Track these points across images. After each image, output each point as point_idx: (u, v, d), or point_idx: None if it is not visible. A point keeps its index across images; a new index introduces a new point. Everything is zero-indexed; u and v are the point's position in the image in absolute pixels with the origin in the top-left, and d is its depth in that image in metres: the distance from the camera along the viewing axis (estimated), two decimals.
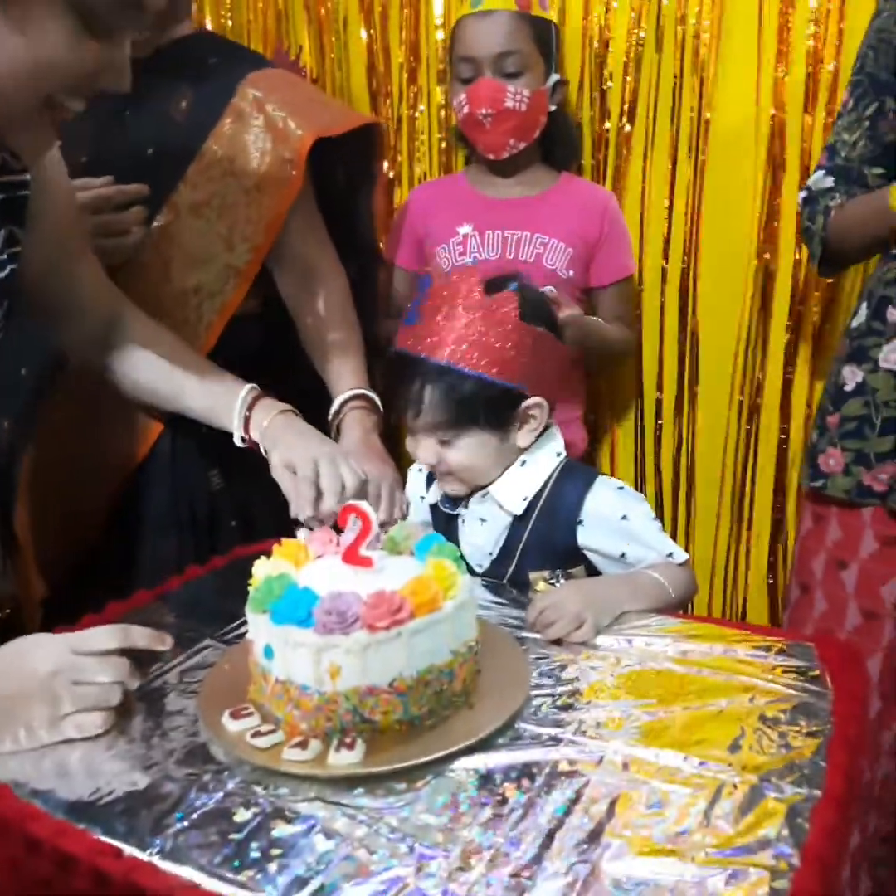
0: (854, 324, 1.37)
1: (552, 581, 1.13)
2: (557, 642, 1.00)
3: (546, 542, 1.14)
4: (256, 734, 0.82)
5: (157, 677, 0.96)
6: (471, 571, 1.19)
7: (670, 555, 1.13)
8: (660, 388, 1.86)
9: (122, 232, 1.30)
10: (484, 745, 0.81)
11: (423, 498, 1.29)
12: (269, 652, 0.84)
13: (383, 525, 1.19)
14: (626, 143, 1.78)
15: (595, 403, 1.90)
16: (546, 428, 1.17)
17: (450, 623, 0.85)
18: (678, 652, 0.96)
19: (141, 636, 0.92)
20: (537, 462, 1.16)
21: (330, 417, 1.34)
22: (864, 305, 1.35)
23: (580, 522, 1.13)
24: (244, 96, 1.33)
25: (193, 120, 1.33)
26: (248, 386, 1.22)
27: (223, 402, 1.21)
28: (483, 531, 1.19)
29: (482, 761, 0.79)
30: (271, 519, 1.32)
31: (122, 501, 1.36)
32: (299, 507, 1.13)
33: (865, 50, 1.34)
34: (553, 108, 1.65)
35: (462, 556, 1.17)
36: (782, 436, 1.76)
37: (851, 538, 1.37)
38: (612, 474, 1.87)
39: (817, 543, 1.42)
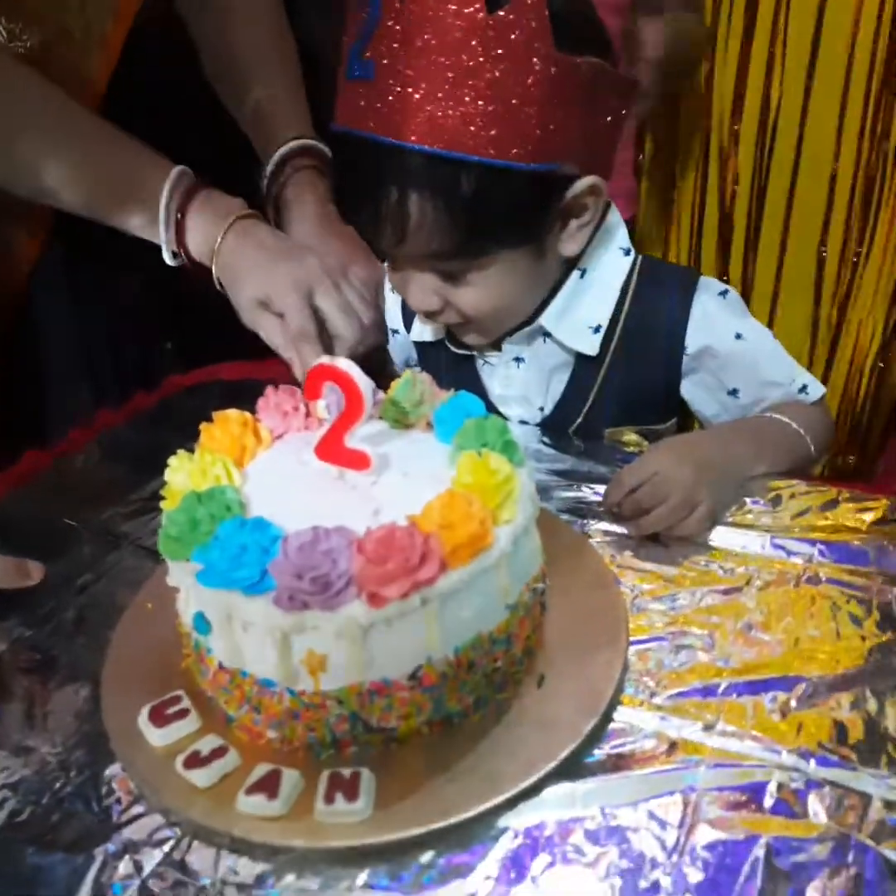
0: None
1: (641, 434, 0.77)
2: (653, 536, 0.66)
3: (634, 385, 0.77)
4: (193, 759, 0.50)
5: (43, 622, 0.62)
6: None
7: (803, 388, 0.76)
8: (738, 104, 1.34)
9: None
10: (569, 768, 0.49)
11: (394, 332, 0.89)
12: (202, 624, 0.50)
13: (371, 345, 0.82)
14: None
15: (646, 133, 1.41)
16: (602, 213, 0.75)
17: (506, 566, 0.50)
18: (841, 554, 0.63)
19: None
20: (602, 269, 0.75)
21: (264, 183, 0.88)
22: None
23: (685, 351, 0.75)
24: None
25: None
26: (177, 169, 0.76)
27: (139, 196, 0.76)
28: (522, 377, 0.80)
29: (567, 793, 0.48)
30: (223, 336, 0.92)
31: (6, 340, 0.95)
32: (301, 368, 0.73)
33: None
34: None
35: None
36: None
37: None
38: (669, 237, 1.44)
39: None
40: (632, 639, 0.56)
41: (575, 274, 0.76)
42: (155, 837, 0.48)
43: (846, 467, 1.47)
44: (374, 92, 0.61)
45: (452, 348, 0.82)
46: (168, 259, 0.78)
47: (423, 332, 0.83)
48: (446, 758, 0.50)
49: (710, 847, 0.45)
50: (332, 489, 0.53)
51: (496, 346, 0.80)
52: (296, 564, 0.45)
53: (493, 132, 0.60)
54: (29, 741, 0.54)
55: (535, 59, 0.60)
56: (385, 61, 0.60)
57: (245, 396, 0.63)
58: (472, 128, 0.60)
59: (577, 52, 0.62)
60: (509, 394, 0.82)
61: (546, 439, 0.78)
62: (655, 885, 0.43)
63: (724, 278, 1.46)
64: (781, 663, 0.54)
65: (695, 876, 0.43)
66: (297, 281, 0.73)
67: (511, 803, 0.47)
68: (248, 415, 0.58)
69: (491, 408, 0.82)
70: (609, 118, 0.68)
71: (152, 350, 1.02)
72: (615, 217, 0.77)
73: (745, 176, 1.37)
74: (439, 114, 0.60)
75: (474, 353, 0.81)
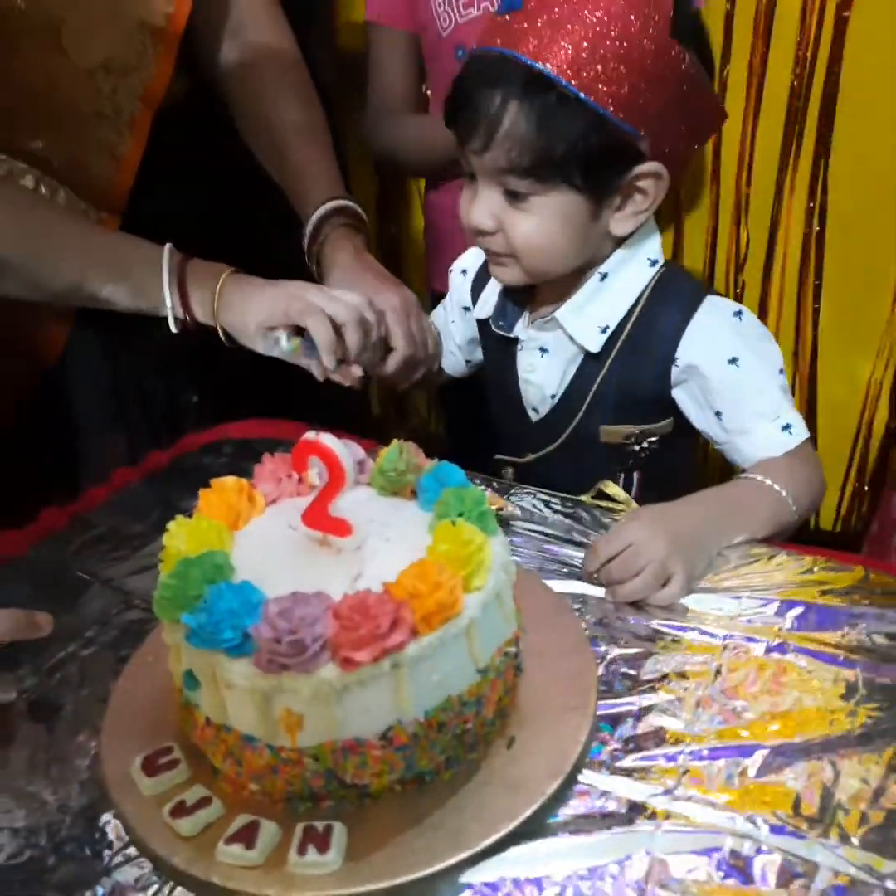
0: None
1: (630, 439, 0.85)
2: (632, 601, 0.69)
3: (628, 386, 0.83)
4: (179, 808, 0.53)
5: (51, 672, 0.66)
6: (524, 418, 0.92)
7: (787, 427, 0.78)
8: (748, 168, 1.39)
9: None
10: (532, 828, 0.52)
11: (466, 309, 0.98)
12: (190, 681, 0.53)
13: (418, 365, 0.93)
14: None
15: None
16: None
17: (477, 632, 0.53)
18: (811, 624, 0.65)
19: (5, 625, 0.61)
20: (624, 275, 0.82)
21: (306, 242, 0.96)
22: None
23: (675, 363, 0.81)
24: None
25: None
26: (166, 248, 0.85)
27: (139, 277, 0.84)
28: (544, 365, 0.88)
29: (528, 852, 0.51)
30: (248, 389, 1.00)
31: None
32: (325, 361, 0.81)
33: None
34: None
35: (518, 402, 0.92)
36: None
37: None
38: (677, 251, 1.46)
39: None
40: (601, 702, 0.59)
41: (596, 276, 0.82)
42: (141, 882, 0.51)
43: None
44: (518, 22, 0.72)
45: (494, 329, 0.90)
46: (173, 327, 0.85)
47: (481, 309, 0.93)
48: (417, 814, 0.52)
49: None
50: (318, 553, 0.57)
51: (525, 323, 0.88)
52: (275, 629, 0.49)
53: (603, 82, 0.71)
54: (32, 787, 0.58)
55: (653, 43, 0.71)
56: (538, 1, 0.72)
57: (251, 455, 0.68)
58: (592, 72, 0.70)
59: (686, 43, 0.72)
60: (531, 379, 0.90)
61: (534, 499, 0.81)
62: None
63: None
64: (745, 731, 0.56)
65: None
66: (291, 291, 0.82)
67: (474, 860, 0.50)
68: (244, 481, 0.62)
69: (518, 389, 0.91)
70: (687, 112, 0.76)
71: (180, 403, 1.09)
72: (649, 228, 0.83)
73: (758, 236, 1.40)
74: (569, 53, 0.70)
75: (512, 336, 0.89)
